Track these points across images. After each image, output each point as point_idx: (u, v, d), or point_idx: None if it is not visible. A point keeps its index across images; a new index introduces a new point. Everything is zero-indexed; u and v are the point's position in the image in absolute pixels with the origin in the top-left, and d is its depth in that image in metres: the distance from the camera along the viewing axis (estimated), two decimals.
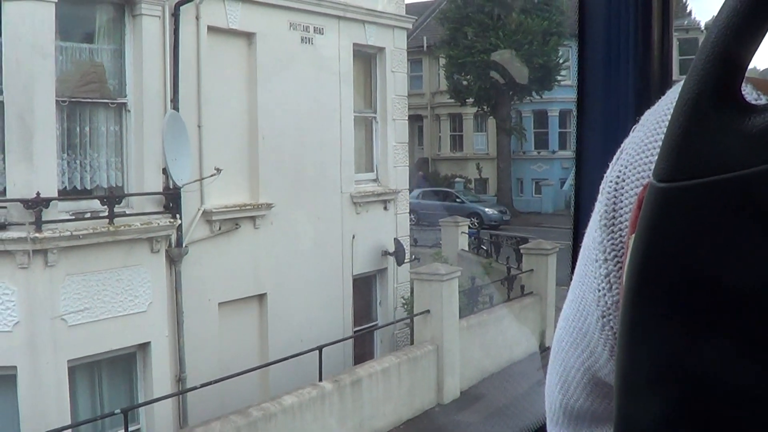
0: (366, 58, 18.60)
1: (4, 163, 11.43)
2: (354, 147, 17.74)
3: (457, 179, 46.57)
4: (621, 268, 0.83)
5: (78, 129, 12.36)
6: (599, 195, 0.88)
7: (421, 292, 16.00)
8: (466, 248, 24.64)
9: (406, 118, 19.86)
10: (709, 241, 0.64)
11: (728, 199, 0.62)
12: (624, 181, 0.83)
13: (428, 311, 15.71)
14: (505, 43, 37.88)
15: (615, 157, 0.87)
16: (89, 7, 12.52)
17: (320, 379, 13.37)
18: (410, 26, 20.37)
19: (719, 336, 0.64)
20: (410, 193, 21.35)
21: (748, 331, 0.63)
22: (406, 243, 19.18)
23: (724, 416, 0.64)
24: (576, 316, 0.94)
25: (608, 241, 0.85)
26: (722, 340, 0.64)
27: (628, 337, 0.72)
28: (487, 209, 40.29)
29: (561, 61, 40.68)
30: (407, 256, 19.03)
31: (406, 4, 19.98)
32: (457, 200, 41.03)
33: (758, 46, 0.63)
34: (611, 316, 0.86)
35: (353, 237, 17.52)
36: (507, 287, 20.22)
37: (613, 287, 0.85)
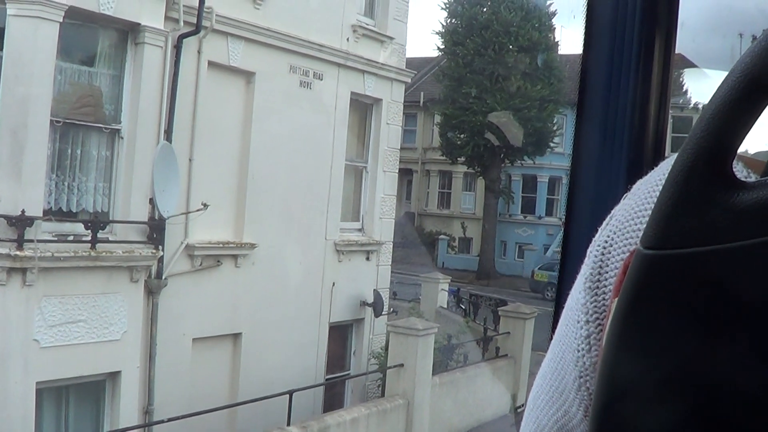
0: (362, 108, 18.68)
1: None
2: (342, 195, 17.75)
3: (442, 236, 46.64)
4: (602, 330, 0.84)
5: (69, 151, 12.33)
6: (586, 258, 0.89)
7: (397, 345, 15.93)
8: (445, 305, 24.62)
9: (397, 171, 19.90)
10: (690, 310, 0.65)
11: (713, 270, 0.64)
12: (612, 246, 0.85)
13: (402, 365, 15.65)
14: (503, 105, 38.09)
15: (604, 223, 0.89)
16: (92, 30, 12.56)
17: (288, 424, 13.27)
18: (409, 80, 20.48)
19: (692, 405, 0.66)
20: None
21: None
22: (385, 295, 19.13)
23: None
24: (553, 374, 0.95)
25: (591, 303, 0.86)
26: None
27: (602, 398, 0.73)
28: None
29: (555, 128, 40.94)
30: (385, 308, 18.98)
31: (407, 59, 20.11)
32: None
33: (750, 127, 0.64)
34: (588, 377, 0.87)
35: (333, 284, 17.47)
36: (482, 348, 20.17)
37: (593, 349, 0.86)
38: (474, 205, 48.18)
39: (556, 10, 41.78)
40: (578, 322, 0.88)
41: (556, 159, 42.98)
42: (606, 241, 0.86)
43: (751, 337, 0.62)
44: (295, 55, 16.06)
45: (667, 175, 0.68)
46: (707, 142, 0.65)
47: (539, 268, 39.88)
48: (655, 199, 0.70)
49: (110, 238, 12.58)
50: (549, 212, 46.61)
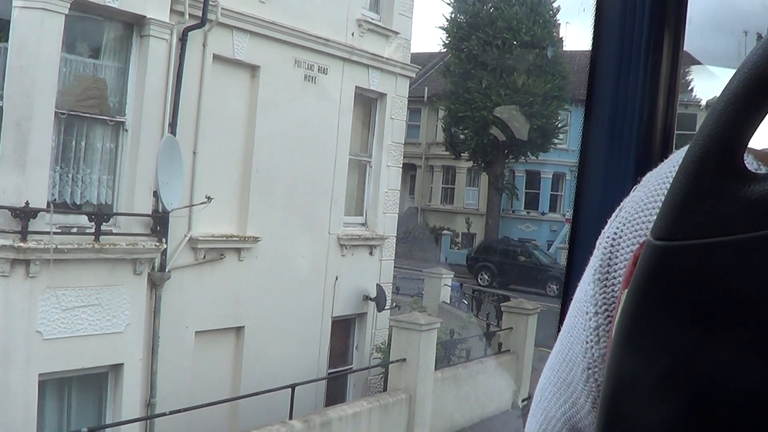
0: (367, 102, 18.66)
1: None
2: (346, 189, 17.75)
3: (445, 232, 46.55)
4: (611, 322, 0.84)
5: (74, 143, 12.32)
6: (595, 250, 0.89)
7: (399, 340, 15.93)
8: (448, 301, 24.58)
9: (401, 165, 19.87)
10: (699, 301, 0.66)
11: (723, 261, 0.64)
12: (621, 237, 0.85)
13: (404, 359, 15.64)
14: (507, 101, 37.98)
15: (614, 215, 0.89)
16: (98, 22, 12.55)
17: (290, 418, 13.27)
18: (413, 75, 20.46)
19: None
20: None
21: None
22: (388, 290, 19.13)
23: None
24: (561, 366, 0.96)
25: (600, 294, 0.86)
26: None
27: (611, 388, 0.74)
28: None
29: (560, 124, 40.86)
30: (388, 303, 18.98)
31: (411, 54, 20.08)
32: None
33: (761, 120, 0.65)
34: (596, 369, 0.87)
35: (336, 279, 17.47)
36: (485, 343, 20.15)
37: (601, 340, 0.86)
38: (477, 200, 48.05)
39: (560, 6, 41.70)
40: (587, 313, 0.88)
41: (560, 155, 42.92)
42: (615, 233, 0.86)
43: (761, 329, 0.63)
44: (300, 48, 16.05)
45: (678, 167, 0.69)
46: (719, 134, 0.65)
47: None
48: (666, 191, 0.71)
49: (114, 231, 12.57)
50: (552, 208, 46.51)
